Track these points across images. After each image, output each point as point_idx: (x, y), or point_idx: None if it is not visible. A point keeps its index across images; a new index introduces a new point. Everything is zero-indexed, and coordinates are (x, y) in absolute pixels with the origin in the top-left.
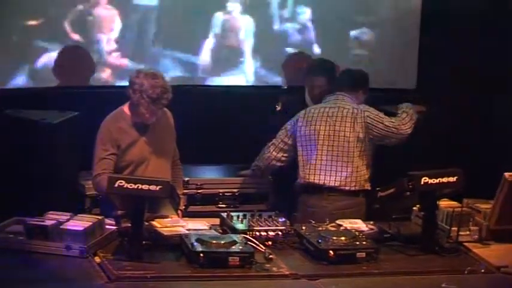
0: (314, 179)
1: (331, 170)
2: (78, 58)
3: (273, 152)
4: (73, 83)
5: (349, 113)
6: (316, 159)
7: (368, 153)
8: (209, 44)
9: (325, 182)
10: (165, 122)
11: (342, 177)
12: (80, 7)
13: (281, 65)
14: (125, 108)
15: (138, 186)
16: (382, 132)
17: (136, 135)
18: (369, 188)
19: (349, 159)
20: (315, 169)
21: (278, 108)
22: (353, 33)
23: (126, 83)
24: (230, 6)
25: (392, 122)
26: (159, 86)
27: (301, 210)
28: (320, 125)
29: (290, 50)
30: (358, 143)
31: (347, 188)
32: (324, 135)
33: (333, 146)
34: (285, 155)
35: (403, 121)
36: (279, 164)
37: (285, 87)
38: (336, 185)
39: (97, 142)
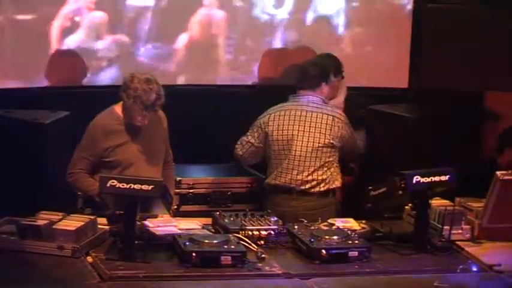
0: (285, 181)
1: (302, 173)
2: (70, 60)
3: (239, 152)
4: (65, 84)
5: (322, 116)
6: (287, 163)
7: (337, 154)
8: (197, 41)
9: (296, 184)
10: (157, 123)
11: (313, 181)
12: (71, 7)
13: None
14: (117, 108)
15: (130, 186)
16: (349, 144)
17: (127, 136)
18: (339, 185)
19: (320, 164)
20: (286, 171)
21: None
22: (343, 30)
23: (113, 82)
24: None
25: (356, 140)
26: (154, 92)
27: (271, 210)
28: (293, 130)
29: (276, 46)
30: (331, 148)
31: (316, 189)
32: (297, 140)
33: (306, 151)
34: (251, 155)
35: (360, 142)
36: (247, 160)
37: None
38: (306, 187)
39: (82, 138)
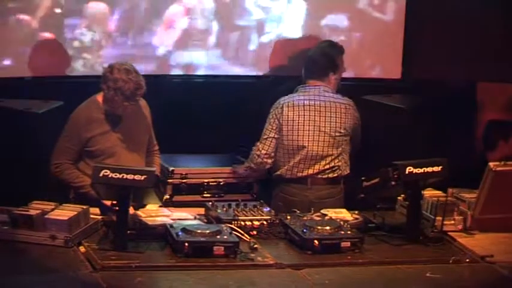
0: (299, 173)
1: (315, 163)
2: (52, 50)
3: (263, 151)
4: (63, 73)
5: (338, 106)
6: (305, 155)
7: (348, 144)
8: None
9: (309, 173)
10: (139, 112)
11: (326, 168)
12: None
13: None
14: (99, 97)
15: (123, 176)
16: (356, 134)
17: (108, 125)
18: (349, 173)
19: (336, 152)
20: (304, 164)
21: None
22: (337, 22)
23: None
24: None
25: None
26: (133, 82)
27: (278, 200)
28: (309, 121)
29: (270, 37)
30: (347, 136)
31: (330, 176)
32: (313, 128)
33: (318, 141)
34: (274, 150)
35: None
36: (270, 160)
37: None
38: (319, 176)
39: (64, 128)
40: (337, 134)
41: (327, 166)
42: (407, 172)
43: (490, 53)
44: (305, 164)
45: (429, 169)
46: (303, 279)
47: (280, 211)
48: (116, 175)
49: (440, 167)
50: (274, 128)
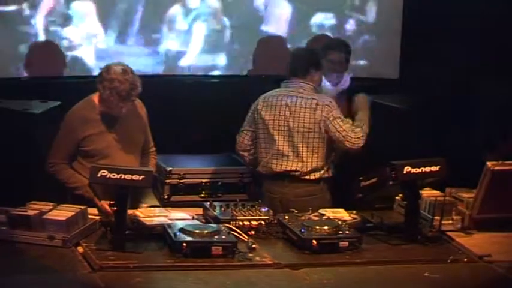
0: (276, 168)
1: (292, 160)
2: (48, 52)
3: (239, 141)
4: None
5: (309, 102)
6: (277, 148)
7: (327, 143)
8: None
9: (286, 170)
10: (135, 112)
11: (302, 167)
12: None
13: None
14: (95, 97)
15: (121, 176)
16: (332, 134)
17: (103, 126)
18: (331, 175)
19: (308, 150)
20: (277, 158)
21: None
22: (334, 22)
23: None
24: None
25: (345, 131)
26: (129, 83)
27: (264, 196)
28: (279, 113)
29: (269, 37)
30: (317, 133)
31: (306, 177)
32: (284, 124)
33: (293, 136)
34: (250, 142)
35: (356, 135)
36: (246, 153)
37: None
38: (295, 174)
39: (60, 128)
40: (305, 129)
41: (300, 164)
42: (405, 172)
43: (488, 53)
44: (277, 160)
45: (427, 169)
46: (301, 279)
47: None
48: (113, 175)
49: (438, 167)
50: (250, 121)
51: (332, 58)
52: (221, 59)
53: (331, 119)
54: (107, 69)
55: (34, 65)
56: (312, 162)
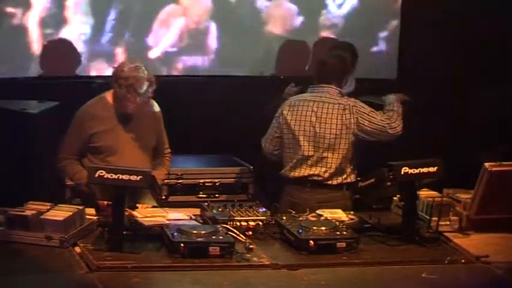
0: (299, 174)
1: (316, 166)
2: (57, 50)
3: (264, 147)
4: (59, 73)
5: (336, 107)
6: (302, 153)
7: (353, 147)
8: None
9: (309, 175)
10: (149, 114)
11: (325, 173)
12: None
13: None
14: (108, 95)
15: (118, 177)
16: (370, 130)
17: (114, 123)
18: (353, 180)
19: (333, 155)
20: (301, 164)
21: (293, 88)
22: (333, 21)
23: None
24: None
25: (382, 120)
26: (145, 79)
27: (283, 201)
28: (305, 119)
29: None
30: (344, 139)
31: (329, 182)
32: (309, 129)
33: (318, 142)
34: (276, 148)
35: (392, 120)
36: (275, 153)
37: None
38: (319, 179)
39: (71, 124)
40: (331, 135)
41: (323, 169)
42: (402, 172)
43: (485, 53)
44: (302, 165)
45: (425, 169)
46: (299, 279)
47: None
48: (111, 175)
49: (435, 168)
50: (275, 126)
51: None
52: (219, 59)
53: (364, 116)
54: (121, 67)
55: (48, 63)
56: (335, 167)
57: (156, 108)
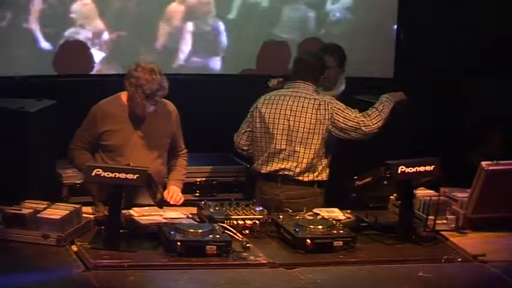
0: (270, 168)
1: (287, 160)
2: (65, 48)
3: (235, 141)
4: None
5: (312, 102)
6: (274, 147)
7: (326, 145)
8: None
9: (280, 169)
10: (164, 117)
11: (296, 168)
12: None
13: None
14: (123, 95)
15: (115, 175)
16: (343, 126)
17: (126, 123)
18: (326, 179)
19: (306, 149)
20: (273, 158)
21: (271, 84)
22: (329, 20)
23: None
24: None
25: (357, 117)
26: (155, 83)
27: (257, 197)
28: (280, 112)
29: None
30: (317, 134)
31: (300, 178)
32: (283, 124)
33: (291, 136)
34: (248, 142)
35: (370, 118)
36: (245, 148)
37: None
38: (289, 174)
39: (85, 119)
40: (305, 131)
41: (294, 164)
42: (399, 171)
43: (482, 53)
44: (274, 158)
45: (421, 168)
46: (296, 278)
47: None
48: (108, 174)
49: (432, 166)
50: (248, 121)
51: (327, 63)
52: (217, 59)
53: (338, 112)
54: (136, 66)
55: (63, 62)
56: (307, 163)
57: (173, 110)
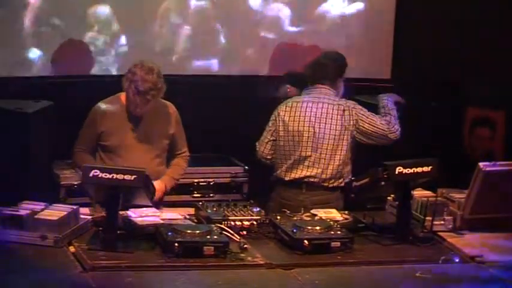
0: (295, 175)
1: (313, 167)
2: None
3: (259, 150)
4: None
5: (336, 108)
6: (299, 154)
7: (350, 150)
8: (185, 30)
9: (306, 176)
10: (163, 118)
11: (322, 174)
12: None
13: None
14: (122, 95)
15: (112, 176)
16: (370, 133)
17: (124, 124)
18: (344, 184)
19: (331, 157)
20: (298, 165)
21: (280, 94)
22: (327, 21)
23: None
24: None
25: (382, 124)
26: (150, 82)
27: (275, 201)
28: (304, 119)
29: (265, 35)
30: (342, 140)
31: (325, 184)
32: (308, 132)
33: (317, 143)
34: (271, 151)
35: (391, 125)
36: (269, 157)
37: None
38: (315, 181)
39: (86, 120)
40: (330, 137)
41: (320, 170)
42: (397, 172)
43: (479, 53)
44: (299, 165)
45: (419, 169)
46: (293, 279)
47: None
48: (105, 175)
49: (430, 167)
50: (271, 130)
51: None
52: (215, 59)
53: (362, 118)
54: (136, 64)
55: (61, 63)
56: (332, 169)
57: (173, 112)
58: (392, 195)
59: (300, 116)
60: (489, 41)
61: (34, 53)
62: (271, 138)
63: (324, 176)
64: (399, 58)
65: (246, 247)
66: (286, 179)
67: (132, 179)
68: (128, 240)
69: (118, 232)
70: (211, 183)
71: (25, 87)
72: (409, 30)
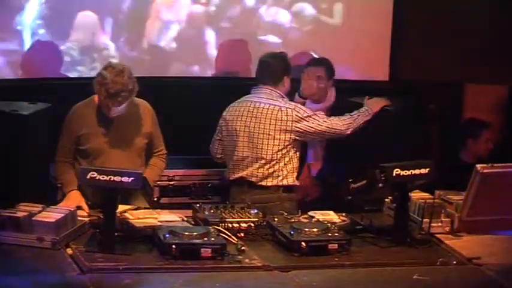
0: (237, 175)
1: (251, 166)
2: (47, 51)
3: (211, 151)
4: (51, 75)
5: (272, 108)
6: (237, 155)
7: (291, 149)
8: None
9: (246, 176)
10: (137, 116)
11: (260, 172)
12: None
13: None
14: (96, 97)
15: (110, 178)
16: (314, 130)
17: (100, 125)
18: (292, 184)
19: (267, 156)
20: (238, 165)
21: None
22: (324, 22)
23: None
24: None
25: (325, 121)
26: (120, 84)
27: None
28: (241, 119)
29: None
30: (277, 140)
31: (263, 183)
32: (244, 131)
33: (253, 141)
34: (219, 150)
35: (342, 122)
36: (219, 156)
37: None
38: (253, 179)
39: (62, 126)
40: (264, 136)
41: (256, 170)
42: (394, 174)
43: (478, 54)
44: (240, 166)
45: (416, 171)
46: (291, 281)
47: None
48: (103, 177)
49: (427, 169)
50: (218, 129)
51: (312, 73)
52: (211, 61)
53: (302, 120)
54: (106, 66)
55: (31, 65)
56: (269, 168)
57: (147, 110)
58: (389, 197)
59: (238, 116)
60: (489, 42)
61: (32, 54)
62: (217, 138)
63: (260, 175)
64: (397, 60)
65: (243, 249)
66: (231, 178)
67: (130, 180)
68: (126, 242)
69: (115, 234)
70: (209, 185)
71: (21, 89)
72: (407, 32)
